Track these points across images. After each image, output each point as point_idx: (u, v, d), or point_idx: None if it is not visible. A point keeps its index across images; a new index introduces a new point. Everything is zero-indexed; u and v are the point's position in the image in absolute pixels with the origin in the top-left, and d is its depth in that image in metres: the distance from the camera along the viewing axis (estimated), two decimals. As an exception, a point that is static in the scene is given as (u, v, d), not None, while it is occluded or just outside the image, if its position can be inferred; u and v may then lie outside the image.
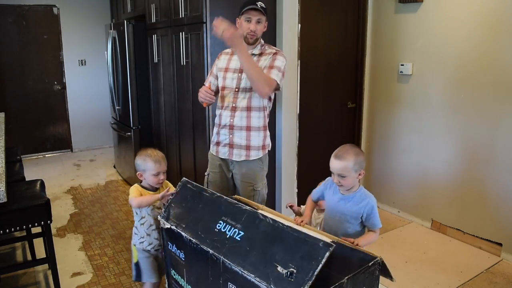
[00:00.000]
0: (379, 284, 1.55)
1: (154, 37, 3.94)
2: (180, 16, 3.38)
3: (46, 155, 5.90)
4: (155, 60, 4.01)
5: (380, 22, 3.75)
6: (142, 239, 2.12)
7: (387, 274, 1.55)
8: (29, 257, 3.01)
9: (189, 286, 1.78)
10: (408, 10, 3.49)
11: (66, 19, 5.70)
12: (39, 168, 5.30)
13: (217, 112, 2.47)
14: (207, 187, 2.53)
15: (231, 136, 2.39)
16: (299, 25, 3.30)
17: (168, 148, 4.05)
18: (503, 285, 2.73)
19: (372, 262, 1.48)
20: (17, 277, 2.82)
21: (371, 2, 3.78)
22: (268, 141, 2.48)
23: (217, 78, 2.50)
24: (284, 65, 2.33)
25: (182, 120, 3.67)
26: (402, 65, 3.58)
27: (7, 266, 2.89)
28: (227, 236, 1.56)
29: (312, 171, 3.73)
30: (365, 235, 1.87)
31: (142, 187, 2.13)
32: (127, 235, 3.42)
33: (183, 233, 1.74)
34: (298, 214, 2.24)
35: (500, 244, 3.08)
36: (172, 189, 2.08)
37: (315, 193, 2.06)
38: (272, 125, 3.39)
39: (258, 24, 2.28)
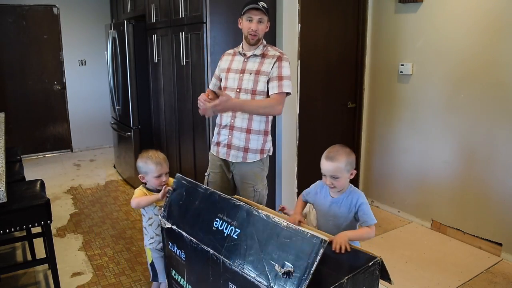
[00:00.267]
0: (379, 284, 1.56)
1: (154, 37, 3.94)
2: (180, 16, 3.38)
3: (46, 155, 5.90)
4: (155, 60, 4.01)
5: (380, 22, 3.75)
6: (152, 239, 2.14)
7: (386, 277, 1.55)
8: (29, 257, 3.01)
9: (189, 286, 1.78)
10: (408, 10, 3.49)
11: (66, 19, 5.70)
12: (39, 168, 5.30)
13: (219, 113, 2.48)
14: None
15: (230, 136, 2.39)
16: (299, 25, 3.30)
17: (168, 148, 4.05)
18: (503, 285, 2.73)
19: (372, 262, 1.48)
20: (17, 277, 2.82)
21: (371, 2, 3.78)
22: (269, 146, 2.46)
23: (220, 79, 2.50)
24: (289, 70, 2.33)
25: (182, 120, 3.67)
26: (402, 65, 3.58)
27: (7, 266, 2.89)
28: (225, 235, 1.56)
29: (312, 171, 3.72)
30: (357, 230, 1.85)
31: (147, 189, 2.13)
32: (127, 235, 3.42)
33: (183, 233, 1.74)
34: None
35: (500, 244, 3.08)
36: (171, 184, 2.09)
37: (305, 194, 2.06)
38: (272, 125, 3.37)
39: (259, 23, 2.27)
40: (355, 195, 1.87)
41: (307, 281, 1.26)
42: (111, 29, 4.50)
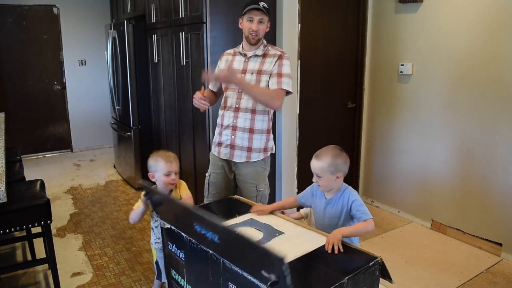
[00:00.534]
0: (379, 284, 1.56)
1: (154, 37, 3.94)
2: (180, 16, 3.38)
3: (46, 155, 5.90)
4: (155, 60, 4.01)
5: (380, 22, 3.75)
6: (157, 239, 2.14)
7: (386, 276, 1.55)
8: (29, 257, 3.01)
9: (189, 286, 1.78)
10: (408, 10, 3.49)
11: (66, 19, 5.70)
12: (39, 168, 5.30)
13: (220, 112, 2.47)
14: (208, 188, 2.53)
15: (233, 137, 2.39)
16: (299, 25, 3.30)
17: (168, 148, 4.05)
18: (503, 285, 2.73)
19: (373, 262, 1.48)
20: (17, 277, 2.82)
21: (371, 2, 3.78)
22: (271, 144, 2.48)
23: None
24: (290, 68, 2.34)
25: (182, 120, 3.67)
26: (402, 65, 3.58)
27: (7, 266, 2.89)
28: (209, 238, 1.55)
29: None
30: (352, 225, 1.83)
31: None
32: (127, 235, 3.42)
33: (182, 233, 1.74)
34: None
35: (500, 244, 3.08)
36: (184, 188, 2.14)
37: (300, 197, 2.07)
38: (272, 125, 3.38)
39: (260, 24, 2.28)
40: (346, 194, 1.87)
41: None
42: (111, 29, 4.50)
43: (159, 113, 4.16)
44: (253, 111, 2.35)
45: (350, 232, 1.75)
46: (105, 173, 5.12)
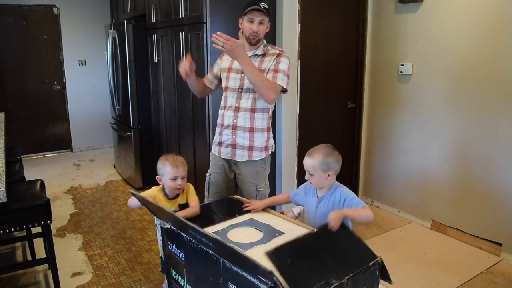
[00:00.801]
0: (379, 284, 1.56)
1: (154, 37, 3.94)
2: (180, 16, 3.38)
3: (46, 155, 5.90)
4: (155, 60, 4.01)
5: (380, 22, 3.75)
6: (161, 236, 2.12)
7: (386, 277, 1.55)
8: (29, 257, 3.01)
9: (189, 286, 1.78)
10: (408, 10, 3.49)
11: (66, 19, 5.70)
12: (39, 168, 5.30)
13: (220, 112, 2.47)
14: (208, 188, 2.54)
15: (234, 136, 2.39)
16: (299, 25, 3.30)
17: (168, 148, 4.06)
18: (503, 285, 2.73)
19: (373, 262, 1.48)
20: (17, 277, 2.82)
21: (371, 2, 3.78)
22: (272, 142, 2.48)
23: (216, 77, 2.50)
24: (288, 67, 2.32)
25: (182, 120, 3.67)
26: (402, 65, 3.58)
27: (7, 266, 2.89)
28: (205, 242, 1.55)
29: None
30: (352, 208, 1.81)
31: (163, 192, 2.12)
32: (127, 235, 3.42)
33: (182, 233, 1.74)
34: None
35: (500, 244, 3.08)
36: (192, 193, 2.12)
37: (293, 195, 2.08)
38: (272, 125, 3.37)
39: (260, 25, 2.27)
40: (338, 192, 1.88)
41: None
42: (111, 29, 4.50)
43: (159, 113, 4.16)
44: (253, 110, 2.35)
45: (351, 213, 1.76)
46: (105, 173, 5.12)
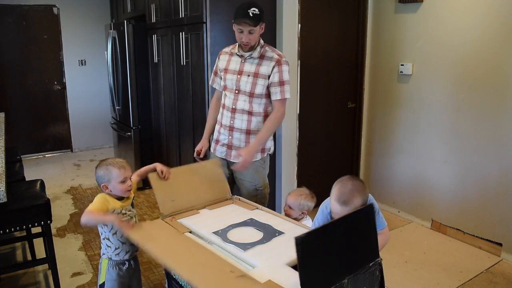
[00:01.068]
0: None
1: (154, 37, 3.94)
2: (180, 16, 3.38)
3: (46, 155, 5.90)
4: (155, 60, 4.01)
5: (380, 22, 3.75)
6: (117, 250, 1.93)
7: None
8: (29, 257, 3.01)
9: (189, 286, 1.78)
10: (408, 10, 3.49)
11: (66, 19, 5.70)
12: (39, 168, 5.30)
13: (220, 110, 2.48)
14: None
15: (230, 137, 2.39)
16: (299, 25, 3.30)
17: (168, 148, 4.06)
18: (503, 285, 2.73)
19: (373, 262, 1.48)
20: (17, 277, 2.82)
21: (371, 2, 3.78)
22: (270, 144, 2.47)
23: (221, 78, 2.51)
24: (289, 73, 2.33)
25: (182, 120, 3.67)
26: (402, 65, 3.58)
27: (7, 266, 2.89)
28: None
29: (312, 171, 3.74)
30: None
31: (113, 197, 1.91)
32: (127, 235, 3.41)
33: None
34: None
35: (500, 244, 3.08)
36: (134, 187, 1.97)
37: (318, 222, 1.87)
38: (272, 125, 3.38)
39: (250, 34, 2.22)
40: None
41: None
42: (111, 29, 4.50)
43: (159, 113, 4.16)
44: (250, 113, 2.35)
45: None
46: (105, 173, 5.11)
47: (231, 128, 2.38)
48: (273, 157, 3.42)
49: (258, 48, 2.33)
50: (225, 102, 2.42)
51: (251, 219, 1.94)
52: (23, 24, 5.47)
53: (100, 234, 1.95)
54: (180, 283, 1.83)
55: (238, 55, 2.37)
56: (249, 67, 2.33)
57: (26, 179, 2.91)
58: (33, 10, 5.51)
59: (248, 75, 2.31)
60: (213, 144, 2.51)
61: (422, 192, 3.59)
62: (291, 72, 3.26)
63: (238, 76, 2.33)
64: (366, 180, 4.09)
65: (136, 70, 4.21)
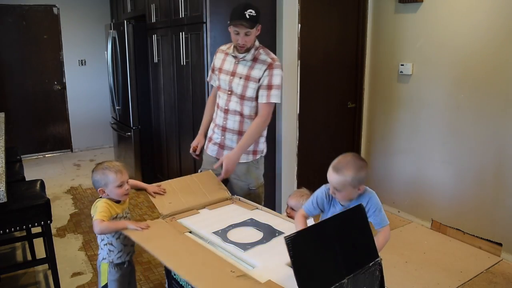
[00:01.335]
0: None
1: (154, 37, 3.94)
2: (180, 16, 3.38)
3: (46, 155, 5.90)
4: (155, 60, 4.01)
5: (380, 22, 3.75)
6: (120, 253, 1.94)
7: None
8: (29, 257, 3.01)
9: (189, 286, 1.78)
10: (408, 10, 3.49)
11: (66, 19, 5.70)
12: (39, 168, 5.30)
13: (215, 109, 2.48)
14: None
15: (223, 137, 2.40)
16: (299, 25, 3.30)
17: (168, 148, 4.06)
18: (503, 285, 2.73)
19: (373, 262, 1.48)
20: (17, 277, 2.82)
21: (371, 2, 3.78)
22: (262, 147, 2.45)
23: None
24: (281, 78, 2.29)
25: (182, 120, 3.67)
26: (402, 65, 3.58)
27: (7, 266, 2.89)
28: None
29: (312, 171, 3.73)
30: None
31: (112, 200, 1.90)
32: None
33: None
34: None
35: (500, 244, 3.08)
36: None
37: (312, 210, 1.79)
38: (272, 125, 3.38)
39: (246, 36, 2.19)
40: (366, 197, 1.70)
41: None
42: (111, 29, 4.50)
43: (159, 113, 4.16)
44: (242, 115, 2.34)
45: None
46: (105, 173, 5.11)
47: (224, 129, 2.38)
48: (273, 157, 3.42)
49: (252, 51, 2.29)
50: (219, 102, 2.42)
51: (251, 219, 1.94)
52: (23, 24, 5.47)
53: (100, 240, 1.94)
54: (180, 283, 1.83)
55: (232, 56, 2.35)
56: (242, 69, 2.30)
57: (26, 179, 2.91)
58: (33, 10, 5.51)
59: (240, 77, 2.29)
60: (206, 141, 2.52)
61: (422, 192, 3.59)
62: (291, 72, 3.29)
63: (231, 77, 2.32)
64: (366, 180, 4.09)
65: (136, 70, 4.22)
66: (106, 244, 1.93)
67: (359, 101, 3.98)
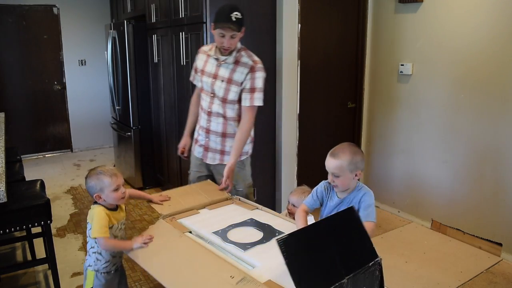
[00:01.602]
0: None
1: (154, 37, 3.94)
2: (180, 16, 3.38)
3: (46, 155, 5.90)
4: (155, 60, 4.01)
5: (380, 22, 3.75)
6: (107, 263, 1.90)
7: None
8: (29, 257, 3.01)
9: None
10: (408, 10, 3.49)
11: (66, 19, 5.70)
12: (39, 168, 5.30)
13: (199, 111, 2.48)
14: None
15: (207, 139, 2.40)
16: (299, 25, 3.30)
17: (168, 148, 4.05)
18: (503, 285, 2.73)
19: (373, 262, 1.48)
20: (17, 277, 2.82)
21: (371, 2, 3.78)
22: (247, 148, 2.44)
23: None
24: (263, 80, 2.28)
25: (182, 120, 3.66)
26: (402, 65, 3.58)
27: (7, 266, 2.89)
28: None
29: (312, 171, 3.73)
30: None
31: (108, 209, 1.86)
32: (127, 235, 3.40)
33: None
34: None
35: (500, 244, 3.08)
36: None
37: (312, 203, 1.88)
38: (272, 125, 3.39)
39: (231, 39, 2.17)
40: (361, 192, 1.78)
41: None
42: (111, 29, 4.50)
43: (159, 113, 4.16)
44: (225, 117, 2.34)
45: None
46: (105, 173, 5.11)
47: (208, 131, 2.39)
48: (273, 157, 3.42)
49: (234, 53, 2.26)
50: (202, 104, 2.41)
51: (251, 219, 1.94)
52: (23, 24, 5.47)
53: (89, 246, 1.90)
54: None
55: (214, 58, 2.32)
56: (224, 72, 2.28)
57: (26, 179, 2.91)
58: (33, 10, 5.51)
59: (222, 80, 2.28)
60: (193, 142, 2.54)
61: (422, 192, 3.59)
62: (291, 72, 3.29)
63: (213, 80, 2.31)
64: (366, 180, 4.09)
65: (136, 70, 4.21)
66: (94, 253, 1.89)
67: (359, 101, 3.98)
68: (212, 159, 2.41)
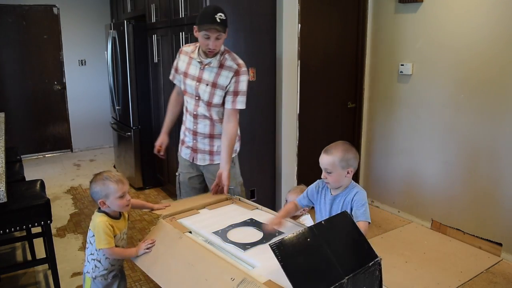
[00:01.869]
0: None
1: (154, 37, 3.94)
2: (180, 16, 3.38)
3: (46, 155, 5.90)
4: (155, 60, 4.01)
5: (380, 22, 3.75)
6: (105, 271, 1.89)
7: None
8: (29, 257, 3.01)
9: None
10: (408, 10, 3.49)
11: (66, 19, 5.70)
12: (39, 168, 5.30)
13: (184, 112, 2.46)
14: (179, 188, 2.55)
15: (195, 141, 2.40)
16: (299, 25, 3.30)
17: (168, 148, 4.05)
18: (503, 285, 2.73)
19: (373, 262, 1.48)
20: (17, 277, 2.82)
21: (371, 2, 3.78)
22: (236, 146, 2.42)
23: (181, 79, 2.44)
24: (247, 83, 2.28)
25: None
26: (402, 65, 3.58)
27: (7, 266, 2.89)
28: None
29: (312, 171, 3.73)
30: None
31: (110, 217, 1.84)
32: (127, 235, 3.41)
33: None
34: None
35: (500, 244, 3.08)
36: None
37: (301, 199, 1.95)
38: (272, 125, 3.39)
39: (217, 40, 2.14)
40: (353, 191, 1.81)
41: None
42: (111, 29, 4.50)
43: (159, 113, 4.16)
44: (211, 119, 2.33)
45: None
46: (105, 173, 5.11)
47: (195, 133, 2.38)
48: (273, 157, 3.42)
49: (218, 56, 2.24)
50: (187, 107, 2.39)
51: (251, 219, 1.94)
52: (23, 24, 5.47)
53: (89, 253, 1.88)
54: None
55: (197, 61, 2.28)
56: (208, 75, 2.26)
57: (26, 179, 2.91)
58: (33, 10, 5.51)
59: (207, 84, 2.26)
60: (180, 144, 2.51)
61: (422, 192, 3.59)
62: (291, 72, 3.29)
63: (197, 84, 2.28)
64: (366, 180, 4.09)
65: (136, 70, 4.21)
66: (93, 259, 1.87)
67: (359, 101, 3.98)
68: (202, 160, 2.40)
